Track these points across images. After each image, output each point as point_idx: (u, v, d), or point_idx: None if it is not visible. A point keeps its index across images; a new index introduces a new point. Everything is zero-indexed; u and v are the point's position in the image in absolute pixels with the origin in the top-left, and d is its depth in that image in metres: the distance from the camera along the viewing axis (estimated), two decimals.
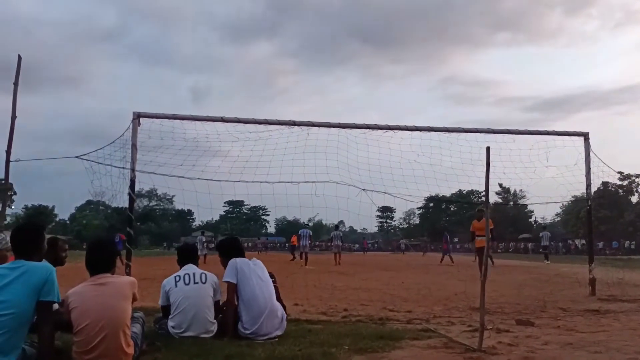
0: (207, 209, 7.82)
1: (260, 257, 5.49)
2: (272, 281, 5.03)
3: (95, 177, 7.42)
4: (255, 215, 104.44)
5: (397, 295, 8.93)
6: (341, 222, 23.34)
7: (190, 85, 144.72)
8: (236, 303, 4.79)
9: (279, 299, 5.02)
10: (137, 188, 7.72)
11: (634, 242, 54.87)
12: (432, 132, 8.38)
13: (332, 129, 8.08)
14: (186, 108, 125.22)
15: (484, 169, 4.71)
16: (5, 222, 6.35)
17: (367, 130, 8.20)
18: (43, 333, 3.13)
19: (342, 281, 12.27)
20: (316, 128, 8.00)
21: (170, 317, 4.72)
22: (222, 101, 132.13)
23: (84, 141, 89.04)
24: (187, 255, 5.12)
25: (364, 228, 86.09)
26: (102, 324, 3.34)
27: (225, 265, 4.96)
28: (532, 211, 74.58)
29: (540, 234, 29.12)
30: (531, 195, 9.76)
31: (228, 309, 4.79)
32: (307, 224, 35.68)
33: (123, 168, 7.51)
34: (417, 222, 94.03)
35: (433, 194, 23.13)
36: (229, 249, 5.09)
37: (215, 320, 4.76)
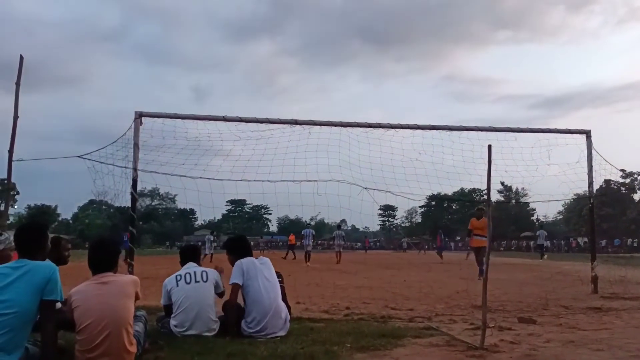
0: (209, 208, 7.85)
1: (264, 256, 5.50)
2: (279, 281, 5.05)
3: (98, 177, 7.47)
4: (258, 214, 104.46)
5: (399, 293, 8.93)
6: (343, 221, 23.48)
7: (192, 84, 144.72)
8: (240, 303, 4.82)
9: (284, 299, 5.04)
10: (139, 187, 7.75)
11: (636, 240, 54.72)
12: (434, 130, 8.39)
13: (333, 127, 8.09)
14: (188, 107, 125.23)
15: (486, 167, 4.71)
16: (8, 222, 6.38)
17: (369, 128, 8.21)
18: (46, 332, 3.14)
19: (344, 279, 12.28)
20: (318, 127, 8.01)
21: (172, 316, 4.74)
22: (224, 100, 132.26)
23: (87, 141, 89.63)
24: (188, 255, 5.16)
25: (366, 227, 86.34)
26: (104, 323, 3.35)
27: (233, 263, 4.98)
28: (534, 209, 74.60)
29: (537, 233, 29.12)
30: (533, 193, 9.80)
31: (230, 309, 4.80)
32: (310, 223, 35.71)
33: (125, 167, 7.53)
34: (419, 221, 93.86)
35: (435, 193, 23.32)
36: (237, 248, 5.11)
37: (217, 319, 4.77)
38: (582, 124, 50.98)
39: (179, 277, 4.83)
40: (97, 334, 3.34)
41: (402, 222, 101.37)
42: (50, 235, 3.69)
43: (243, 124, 7.86)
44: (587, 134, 8.94)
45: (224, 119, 7.85)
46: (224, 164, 7.95)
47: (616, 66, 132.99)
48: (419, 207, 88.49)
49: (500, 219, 63.50)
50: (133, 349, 3.52)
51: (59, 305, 3.32)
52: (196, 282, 4.77)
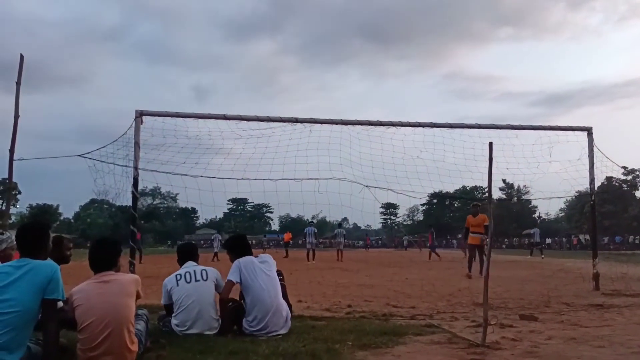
0: (210, 207, 7.89)
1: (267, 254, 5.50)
2: (280, 279, 5.05)
3: (99, 176, 7.44)
4: (259, 213, 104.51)
5: (400, 291, 8.93)
6: (344, 219, 23.68)
7: (193, 83, 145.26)
8: (240, 300, 4.84)
9: (285, 297, 5.04)
10: (140, 186, 7.71)
11: (637, 237, 54.73)
12: (435, 128, 8.38)
13: (334, 125, 8.08)
14: (189, 106, 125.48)
15: (487, 165, 4.70)
16: (10, 221, 6.40)
17: (370, 126, 8.20)
18: (48, 331, 3.15)
19: (345, 277, 12.28)
20: (319, 125, 7.99)
21: (173, 315, 4.75)
22: (225, 99, 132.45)
23: (87, 140, 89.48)
24: (186, 254, 5.15)
25: (367, 225, 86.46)
26: (106, 322, 3.36)
27: (233, 262, 4.99)
28: (536, 207, 74.40)
29: (532, 231, 29.16)
30: (535, 190, 9.77)
31: (225, 306, 4.82)
32: (312, 222, 35.71)
33: (126, 166, 7.51)
34: (421, 219, 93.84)
35: (436, 190, 23.36)
36: (236, 247, 5.12)
37: (218, 317, 4.78)
38: (583, 121, 51.11)
39: (178, 277, 4.83)
40: (98, 332, 3.34)
41: (404, 220, 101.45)
42: (52, 235, 3.70)
43: (244, 122, 7.85)
44: (589, 131, 8.92)
45: (225, 117, 7.84)
46: (225, 162, 7.94)
47: (617, 63, 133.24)
48: (421, 205, 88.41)
49: (502, 216, 63.48)
50: (135, 347, 3.53)
51: (60, 304, 3.32)
52: (196, 281, 4.77)
